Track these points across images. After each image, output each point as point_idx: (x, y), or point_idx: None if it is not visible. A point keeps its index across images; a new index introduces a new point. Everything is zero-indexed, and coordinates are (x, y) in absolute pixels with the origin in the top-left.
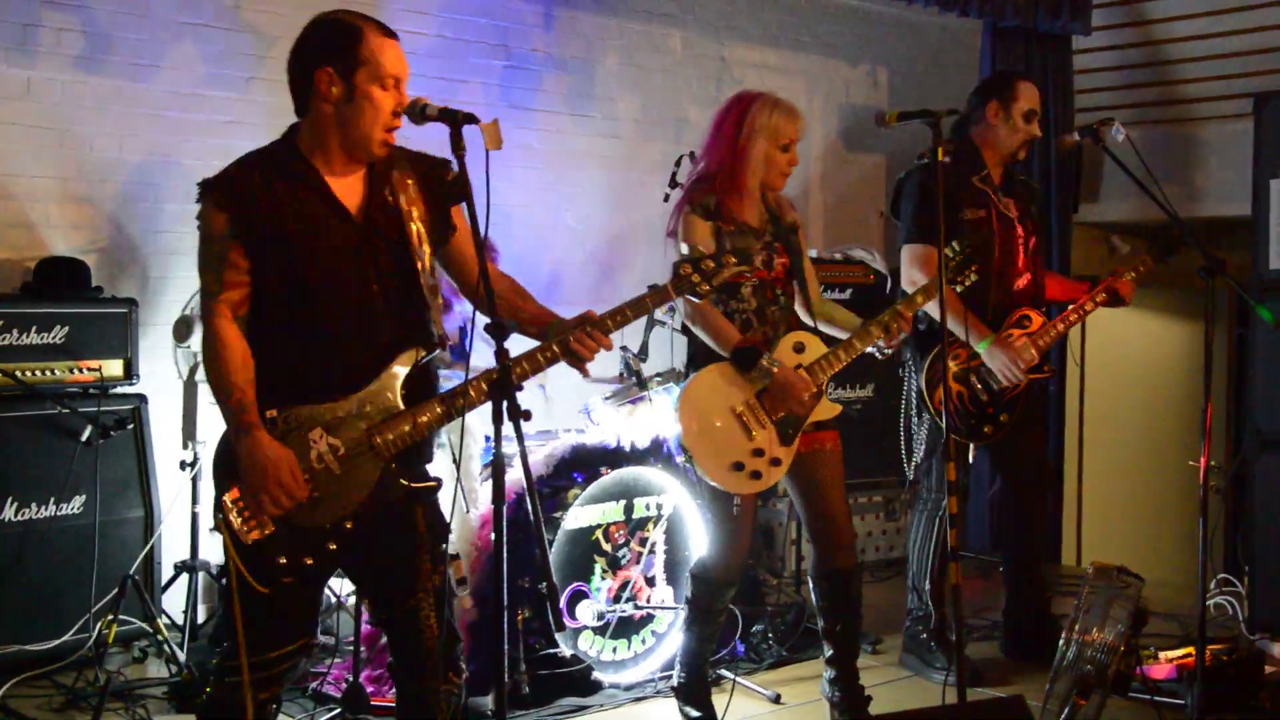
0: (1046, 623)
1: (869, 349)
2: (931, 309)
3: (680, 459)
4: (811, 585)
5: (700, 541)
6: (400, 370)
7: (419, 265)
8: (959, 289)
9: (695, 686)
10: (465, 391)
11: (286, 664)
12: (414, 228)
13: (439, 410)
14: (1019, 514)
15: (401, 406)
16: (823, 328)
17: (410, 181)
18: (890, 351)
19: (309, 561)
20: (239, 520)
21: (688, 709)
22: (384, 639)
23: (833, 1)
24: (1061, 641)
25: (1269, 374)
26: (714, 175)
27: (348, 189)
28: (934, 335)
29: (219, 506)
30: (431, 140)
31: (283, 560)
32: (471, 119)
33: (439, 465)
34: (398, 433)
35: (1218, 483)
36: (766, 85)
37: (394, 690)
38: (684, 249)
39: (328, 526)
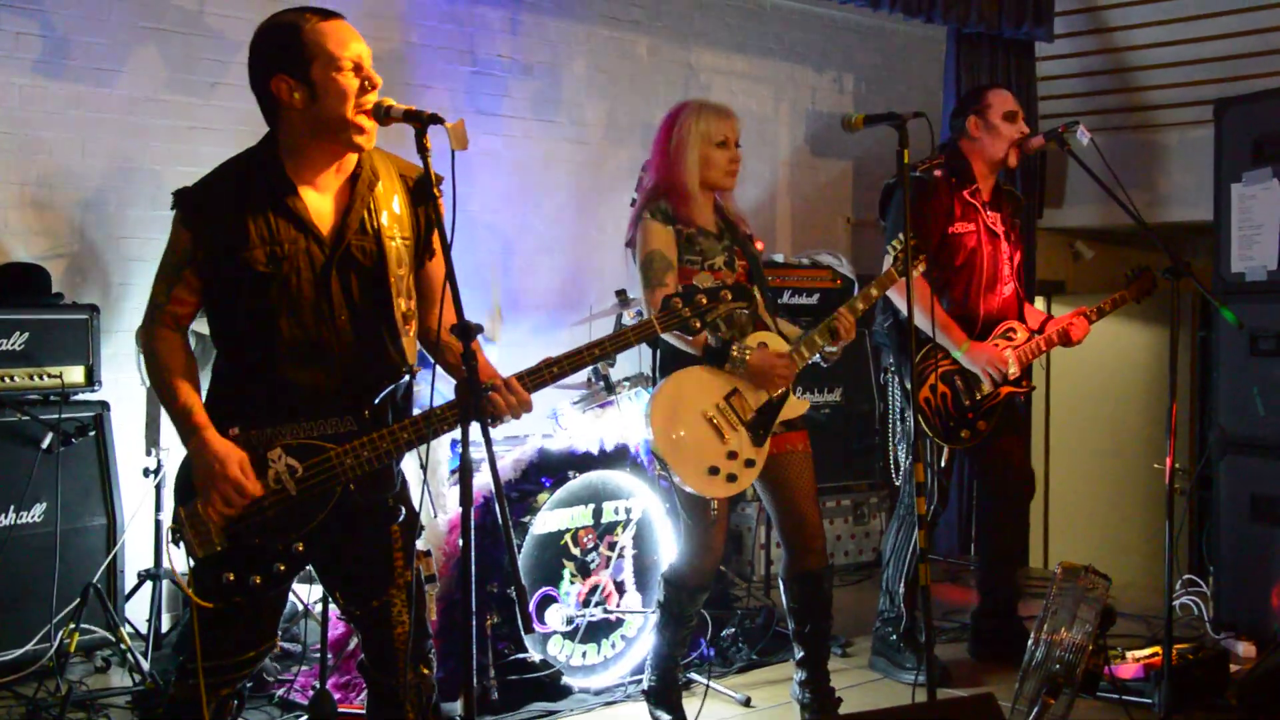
0: (1014, 624)
1: (816, 357)
2: (916, 317)
3: (654, 467)
4: (782, 587)
5: (669, 545)
6: (365, 396)
7: (393, 290)
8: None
9: (666, 690)
10: (429, 420)
11: (247, 669)
12: (393, 245)
13: (404, 437)
14: (999, 520)
15: (366, 432)
16: None
17: (397, 197)
18: (835, 354)
19: (257, 580)
20: (191, 535)
21: (658, 712)
22: (351, 645)
23: (799, 8)
24: (1030, 642)
25: (1232, 375)
26: (658, 186)
27: (325, 206)
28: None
29: (174, 520)
30: (398, 142)
31: (230, 577)
32: (437, 119)
33: (407, 470)
34: (357, 459)
35: (1182, 484)
36: (733, 91)
37: (361, 697)
38: (644, 255)
39: (278, 547)
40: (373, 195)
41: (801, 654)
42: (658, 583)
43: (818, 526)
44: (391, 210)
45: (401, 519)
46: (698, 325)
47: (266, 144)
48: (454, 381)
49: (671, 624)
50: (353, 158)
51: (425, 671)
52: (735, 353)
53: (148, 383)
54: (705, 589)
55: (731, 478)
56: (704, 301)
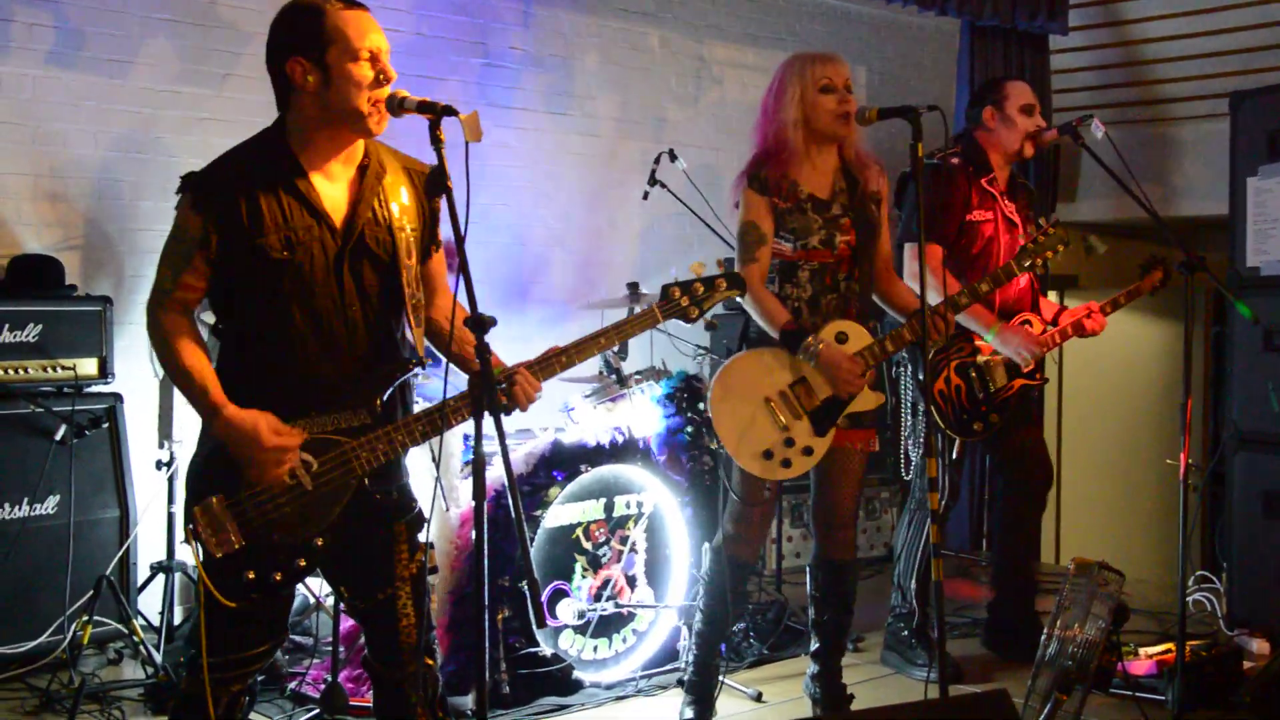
0: (1028, 620)
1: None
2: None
3: (714, 439)
4: (808, 574)
5: (681, 540)
6: (377, 389)
7: (404, 281)
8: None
9: (703, 684)
10: (443, 412)
11: (258, 664)
12: (403, 236)
13: (417, 430)
14: (1018, 514)
15: (379, 425)
16: (878, 301)
17: (404, 189)
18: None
19: (278, 578)
20: (208, 534)
21: (687, 708)
22: (363, 638)
23: (812, 0)
24: (1043, 637)
25: (1246, 371)
26: (760, 154)
27: (336, 194)
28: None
29: (189, 519)
30: (411, 134)
31: (251, 575)
32: (450, 111)
33: (419, 463)
34: (372, 452)
35: (1195, 480)
36: (745, 84)
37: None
38: (740, 224)
39: (298, 543)
40: (381, 186)
41: (817, 644)
42: (704, 553)
43: (850, 519)
44: (400, 201)
45: (404, 509)
46: (695, 314)
47: (275, 130)
48: (465, 374)
49: (714, 600)
50: (360, 148)
51: (430, 663)
52: (810, 342)
53: (161, 374)
54: (752, 565)
55: (786, 463)
56: (700, 290)
